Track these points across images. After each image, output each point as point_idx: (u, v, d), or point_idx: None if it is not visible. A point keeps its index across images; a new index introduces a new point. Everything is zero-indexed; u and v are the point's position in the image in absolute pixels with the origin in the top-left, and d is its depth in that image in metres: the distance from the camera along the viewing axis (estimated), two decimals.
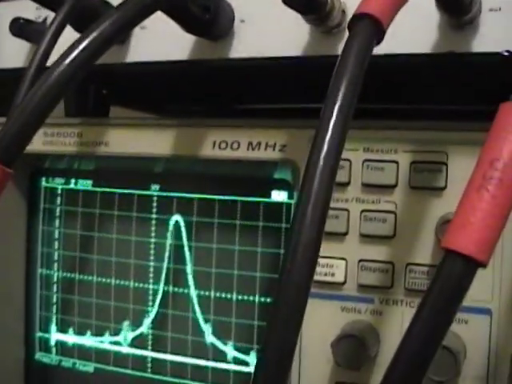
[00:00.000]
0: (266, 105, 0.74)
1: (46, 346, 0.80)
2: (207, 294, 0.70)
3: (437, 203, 0.57)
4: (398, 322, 0.58)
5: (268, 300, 0.67)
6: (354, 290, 0.59)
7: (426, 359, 0.30)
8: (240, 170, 0.68)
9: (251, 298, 0.68)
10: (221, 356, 0.70)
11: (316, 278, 0.60)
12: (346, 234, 0.59)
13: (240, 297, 0.69)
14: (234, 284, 0.69)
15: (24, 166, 0.78)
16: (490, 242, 0.29)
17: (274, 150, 0.62)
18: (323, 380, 0.60)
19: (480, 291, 0.56)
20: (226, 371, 0.70)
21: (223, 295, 0.70)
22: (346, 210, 0.59)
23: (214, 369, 0.71)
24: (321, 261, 0.60)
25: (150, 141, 0.67)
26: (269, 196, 0.67)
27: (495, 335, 0.56)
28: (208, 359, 0.71)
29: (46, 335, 0.79)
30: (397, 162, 0.58)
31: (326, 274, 0.60)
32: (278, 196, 0.67)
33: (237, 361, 0.69)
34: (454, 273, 0.29)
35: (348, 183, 0.59)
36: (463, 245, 0.29)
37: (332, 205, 0.59)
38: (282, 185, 0.67)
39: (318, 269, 0.60)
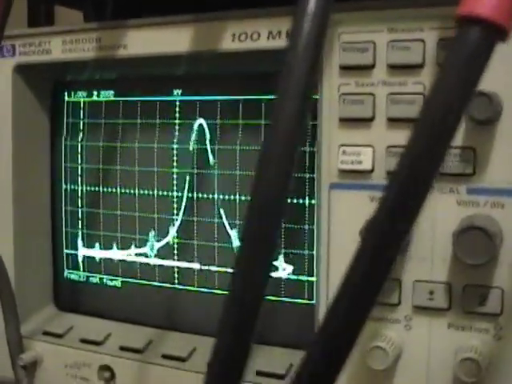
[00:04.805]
0: None
1: (73, 263, 0.79)
2: (232, 198, 0.68)
3: None
4: (430, 208, 0.55)
5: (295, 201, 0.65)
6: (382, 177, 0.57)
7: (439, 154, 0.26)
8: (263, 66, 0.65)
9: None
10: None
11: (342, 167, 0.57)
12: (372, 119, 0.57)
13: None
14: None
15: (46, 80, 0.77)
16: (509, 6, 0.25)
17: None
18: None
19: None
20: None
21: (249, 198, 0.67)
22: (372, 94, 0.56)
23: None
24: (347, 149, 0.57)
25: (169, 39, 0.65)
26: None
27: None
28: None
29: (74, 252, 0.79)
30: (423, 41, 0.55)
31: (352, 163, 0.57)
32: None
33: None
34: (471, 41, 0.25)
35: (373, 66, 0.56)
36: (480, 9, 0.25)
37: (357, 90, 0.57)
38: None
39: (343, 157, 0.57)
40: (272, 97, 0.64)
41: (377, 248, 0.26)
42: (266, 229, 0.27)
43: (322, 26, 0.28)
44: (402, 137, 0.56)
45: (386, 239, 0.26)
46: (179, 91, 0.71)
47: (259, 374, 0.64)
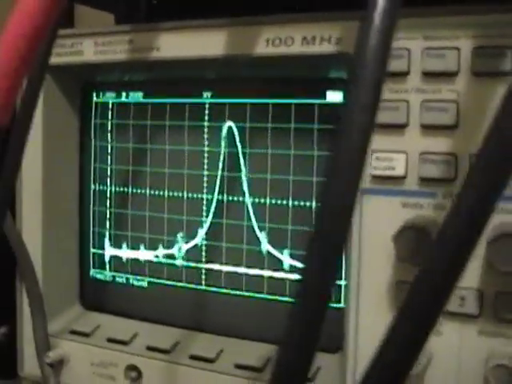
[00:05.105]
0: None
1: (100, 263, 0.80)
2: (262, 201, 0.69)
3: (501, 89, 0.54)
4: None
5: None
6: (415, 184, 0.57)
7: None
8: (293, 70, 0.66)
9: (308, 204, 0.66)
10: (277, 265, 0.69)
11: (375, 172, 0.58)
12: (405, 125, 0.57)
13: (296, 202, 0.67)
14: (289, 189, 0.67)
15: (75, 81, 0.78)
16: None
17: (329, 43, 0.60)
18: (384, 279, 0.58)
19: None
20: (283, 280, 0.69)
21: (279, 202, 0.68)
22: (406, 100, 0.57)
23: (271, 278, 0.69)
24: (380, 155, 0.58)
25: (202, 43, 0.65)
26: (324, 97, 0.65)
27: None
28: (264, 268, 0.69)
29: (100, 251, 0.79)
30: (458, 49, 0.55)
31: (385, 169, 0.58)
32: (334, 96, 0.65)
33: (293, 269, 0.68)
34: None
35: (407, 73, 0.57)
36: None
37: (391, 96, 0.57)
38: (337, 84, 0.64)
39: (376, 163, 0.58)
40: (301, 101, 0.65)
41: (453, 254, 0.26)
42: (335, 238, 0.28)
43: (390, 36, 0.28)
44: (435, 143, 0.56)
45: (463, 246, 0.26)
46: (209, 93, 0.71)
47: None
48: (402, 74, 0.57)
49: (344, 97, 0.63)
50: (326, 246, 0.28)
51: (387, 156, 0.58)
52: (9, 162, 0.44)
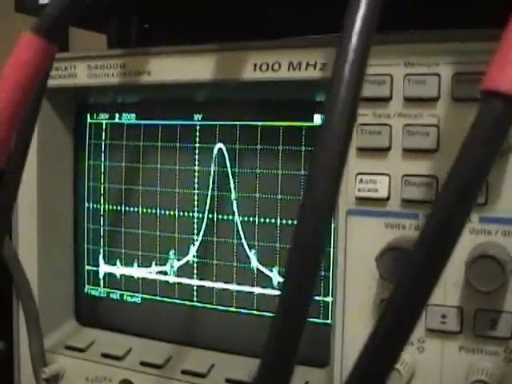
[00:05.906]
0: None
1: (94, 279, 0.82)
2: (251, 219, 0.71)
3: None
4: None
5: None
6: (397, 205, 0.59)
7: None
8: (281, 94, 0.67)
9: (295, 222, 0.68)
10: (266, 282, 0.71)
11: (359, 194, 0.60)
12: (388, 149, 0.59)
13: (284, 221, 0.69)
14: (277, 209, 0.69)
15: (70, 103, 0.80)
16: None
17: (314, 69, 0.62)
18: (369, 298, 0.60)
19: None
20: (272, 297, 0.70)
21: (267, 220, 0.70)
22: (388, 125, 0.59)
23: (260, 295, 0.71)
24: (364, 177, 0.59)
25: (192, 67, 0.67)
26: (311, 120, 0.67)
27: None
28: (253, 285, 0.71)
29: (95, 268, 0.81)
30: (439, 75, 0.57)
31: (369, 190, 0.59)
32: (321, 119, 0.67)
33: None
34: (493, 113, 0.28)
35: (390, 98, 0.59)
36: (503, 83, 0.28)
37: (374, 120, 0.59)
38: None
39: (361, 185, 0.60)
40: (289, 123, 0.67)
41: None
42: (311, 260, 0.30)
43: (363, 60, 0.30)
44: (416, 166, 0.58)
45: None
46: (199, 116, 0.73)
47: None
48: (385, 100, 0.59)
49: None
50: (304, 261, 0.30)
51: (371, 178, 0.59)
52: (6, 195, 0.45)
